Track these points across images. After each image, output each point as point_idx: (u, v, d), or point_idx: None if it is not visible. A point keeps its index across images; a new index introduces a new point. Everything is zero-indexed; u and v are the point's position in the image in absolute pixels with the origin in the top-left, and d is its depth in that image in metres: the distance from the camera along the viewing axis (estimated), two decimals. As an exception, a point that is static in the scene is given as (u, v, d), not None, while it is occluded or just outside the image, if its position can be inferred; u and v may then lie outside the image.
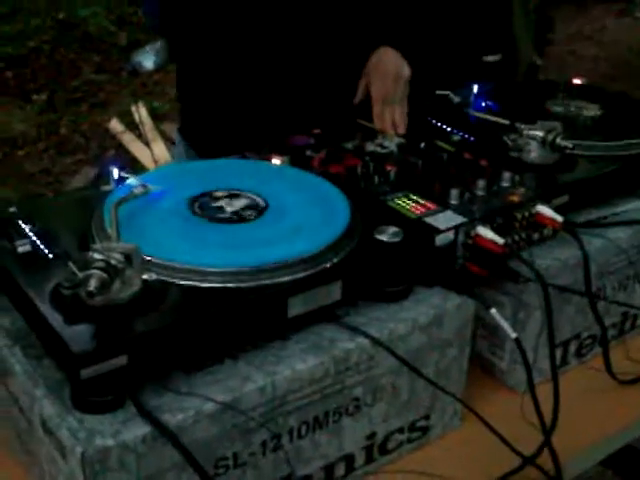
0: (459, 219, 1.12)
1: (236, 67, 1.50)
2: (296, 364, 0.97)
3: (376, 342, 1.01)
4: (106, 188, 1.16)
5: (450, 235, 1.11)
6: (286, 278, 0.99)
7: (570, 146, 1.27)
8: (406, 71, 1.48)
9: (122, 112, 4.09)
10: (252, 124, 1.53)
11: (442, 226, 1.11)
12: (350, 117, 1.47)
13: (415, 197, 1.18)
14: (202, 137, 1.68)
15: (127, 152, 3.74)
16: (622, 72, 5.20)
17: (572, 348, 1.29)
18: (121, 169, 1.17)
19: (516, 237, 1.17)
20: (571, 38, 5.78)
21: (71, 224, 1.09)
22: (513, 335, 1.06)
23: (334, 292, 1.02)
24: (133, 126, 3.70)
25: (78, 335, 0.88)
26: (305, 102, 1.53)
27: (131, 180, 1.12)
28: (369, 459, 1.09)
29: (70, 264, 0.93)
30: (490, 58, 2.69)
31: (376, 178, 1.24)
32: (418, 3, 1.61)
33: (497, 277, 1.18)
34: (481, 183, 1.20)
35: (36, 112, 4.55)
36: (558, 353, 1.26)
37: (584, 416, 1.21)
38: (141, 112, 3.60)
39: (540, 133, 1.28)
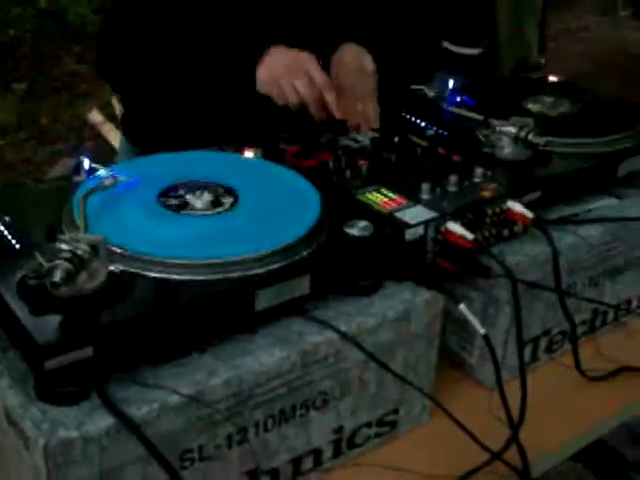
0: (430, 214, 1.13)
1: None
2: (263, 357, 0.97)
3: (344, 336, 1.01)
4: (78, 179, 1.15)
5: (420, 230, 1.11)
6: (255, 271, 0.99)
7: (542, 143, 1.28)
8: (369, 65, 1.46)
9: (103, 103, 4.07)
10: (204, 120, 1.50)
11: (412, 221, 1.11)
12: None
13: (386, 192, 1.18)
14: (143, 132, 1.66)
15: (106, 142, 3.73)
16: (605, 70, 5.22)
17: (542, 344, 1.30)
18: (93, 160, 1.16)
19: (486, 233, 1.17)
20: (556, 34, 5.80)
21: (41, 215, 1.09)
22: (482, 331, 1.06)
23: (303, 285, 1.02)
24: (113, 117, 3.69)
25: (43, 326, 0.87)
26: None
27: (101, 171, 1.12)
28: (337, 453, 1.09)
29: (37, 255, 0.93)
30: (469, 51, 2.67)
31: (348, 172, 1.24)
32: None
33: (467, 272, 1.18)
34: (453, 178, 1.20)
35: (17, 101, 4.52)
36: (528, 349, 1.27)
37: (553, 412, 1.22)
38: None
39: (513, 129, 1.28)
